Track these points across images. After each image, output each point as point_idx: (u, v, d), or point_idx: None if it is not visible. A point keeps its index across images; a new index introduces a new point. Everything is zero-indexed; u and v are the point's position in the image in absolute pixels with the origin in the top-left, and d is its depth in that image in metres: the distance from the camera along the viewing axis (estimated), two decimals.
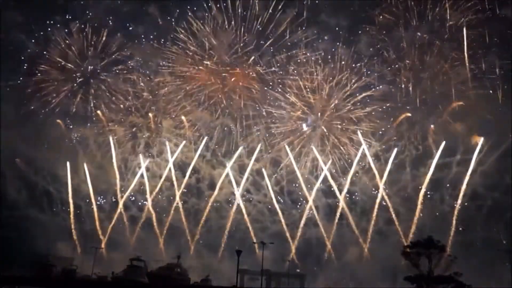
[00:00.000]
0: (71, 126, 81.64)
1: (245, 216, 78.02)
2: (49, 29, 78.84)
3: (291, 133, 78.97)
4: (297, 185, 78.83)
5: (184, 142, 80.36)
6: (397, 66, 75.39)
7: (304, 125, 79.35)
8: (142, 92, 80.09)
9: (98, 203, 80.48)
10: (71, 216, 79.13)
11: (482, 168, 72.20)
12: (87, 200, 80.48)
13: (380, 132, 76.90)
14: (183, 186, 79.70)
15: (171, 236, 77.12)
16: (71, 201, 79.96)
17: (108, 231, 77.86)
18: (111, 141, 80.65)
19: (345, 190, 77.47)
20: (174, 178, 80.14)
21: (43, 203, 79.43)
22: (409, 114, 75.51)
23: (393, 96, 75.97)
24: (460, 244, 66.98)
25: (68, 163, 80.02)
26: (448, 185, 74.19)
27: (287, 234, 76.37)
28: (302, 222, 77.56)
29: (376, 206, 75.64)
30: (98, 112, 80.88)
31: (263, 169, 79.08)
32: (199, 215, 78.81)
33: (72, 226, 78.55)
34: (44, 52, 79.27)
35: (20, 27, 77.29)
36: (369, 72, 76.13)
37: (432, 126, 75.13)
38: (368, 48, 75.78)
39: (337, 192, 77.48)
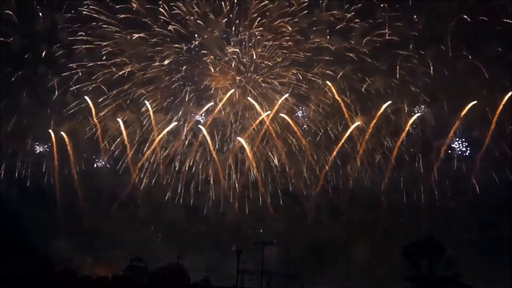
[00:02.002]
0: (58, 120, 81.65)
1: (246, 214, 79.98)
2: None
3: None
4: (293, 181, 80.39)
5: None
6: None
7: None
8: (133, 86, 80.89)
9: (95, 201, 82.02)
10: (62, 214, 79.76)
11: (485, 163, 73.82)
12: (83, 198, 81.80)
13: None
14: (181, 184, 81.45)
15: (171, 235, 78.50)
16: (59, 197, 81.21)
17: (107, 230, 79.56)
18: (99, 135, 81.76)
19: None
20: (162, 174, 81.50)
21: (39, 201, 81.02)
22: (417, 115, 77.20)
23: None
24: (463, 243, 68.86)
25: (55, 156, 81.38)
26: (453, 181, 75.66)
27: (288, 234, 78.39)
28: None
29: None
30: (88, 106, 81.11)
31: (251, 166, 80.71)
32: (199, 213, 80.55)
33: (70, 225, 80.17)
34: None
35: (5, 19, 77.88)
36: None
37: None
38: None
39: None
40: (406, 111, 75.77)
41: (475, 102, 71.90)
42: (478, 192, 71.47)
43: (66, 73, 79.41)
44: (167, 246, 76.21)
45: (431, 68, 73.61)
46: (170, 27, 78.38)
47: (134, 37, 78.05)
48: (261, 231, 78.15)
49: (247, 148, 79.62)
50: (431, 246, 59.77)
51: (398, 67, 74.88)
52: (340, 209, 78.01)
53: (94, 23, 77.96)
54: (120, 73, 78.76)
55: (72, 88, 79.48)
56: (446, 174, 73.67)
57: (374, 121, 75.77)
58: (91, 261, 72.77)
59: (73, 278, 66.91)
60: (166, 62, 79.39)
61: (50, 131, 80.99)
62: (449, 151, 74.91)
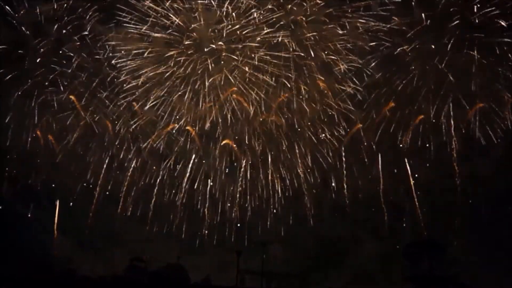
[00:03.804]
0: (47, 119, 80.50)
1: (246, 213, 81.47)
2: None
3: None
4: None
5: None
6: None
7: None
8: (124, 82, 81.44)
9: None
10: (56, 213, 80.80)
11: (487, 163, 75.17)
12: (81, 196, 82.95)
13: None
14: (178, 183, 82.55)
15: (171, 235, 79.01)
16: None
17: (106, 230, 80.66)
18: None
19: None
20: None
21: (36, 199, 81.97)
22: (421, 115, 77.49)
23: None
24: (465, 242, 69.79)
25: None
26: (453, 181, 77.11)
27: (289, 233, 79.90)
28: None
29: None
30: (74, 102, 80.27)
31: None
32: (199, 211, 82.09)
33: (68, 225, 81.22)
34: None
35: None
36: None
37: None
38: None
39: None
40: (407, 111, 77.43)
41: (482, 104, 71.44)
42: (479, 191, 72.66)
43: (55, 71, 78.08)
44: (167, 246, 77.67)
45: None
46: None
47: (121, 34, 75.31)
48: (261, 230, 79.73)
49: (238, 151, 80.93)
50: (431, 246, 61.42)
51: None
52: (340, 209, 79.67)
53: (84, 20, 76.52)
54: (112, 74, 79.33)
55: (60, 87, 78.48)
56: (447, 173, 74.98)
57: (376, 121, 77.23)
58: (91, 261, 74.62)
59: (73, 278, 68.89)
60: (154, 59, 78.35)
61: (38, 132, 79.97)
62: (451, 151, 76.88)
